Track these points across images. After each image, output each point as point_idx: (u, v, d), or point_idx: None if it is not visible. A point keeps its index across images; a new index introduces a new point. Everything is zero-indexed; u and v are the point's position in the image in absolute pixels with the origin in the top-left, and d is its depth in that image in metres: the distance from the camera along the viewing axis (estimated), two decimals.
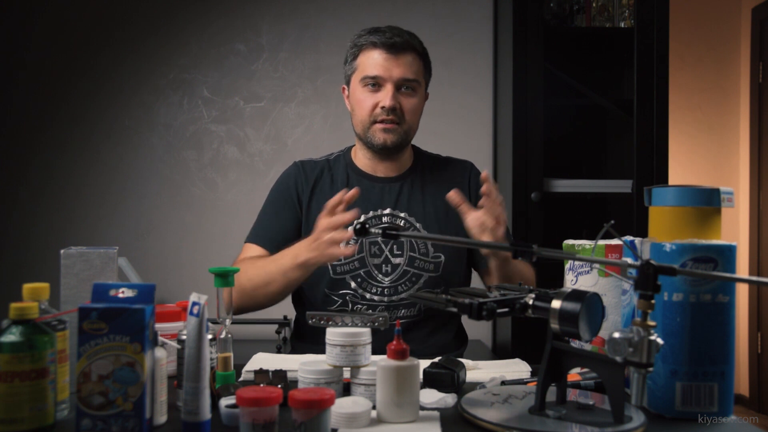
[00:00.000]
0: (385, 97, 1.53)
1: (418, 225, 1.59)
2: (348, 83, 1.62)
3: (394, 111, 1.54)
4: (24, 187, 2.84)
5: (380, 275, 1.55)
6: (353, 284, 1.55)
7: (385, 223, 1.58)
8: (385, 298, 1.54)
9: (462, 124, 2.87)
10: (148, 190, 2.86)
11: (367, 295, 1.54)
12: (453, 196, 1.39)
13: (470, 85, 2.88)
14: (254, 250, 1.59)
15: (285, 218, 1.60)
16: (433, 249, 1.57)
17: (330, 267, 1.54)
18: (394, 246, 1.56)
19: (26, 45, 2.86)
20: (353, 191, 1.38)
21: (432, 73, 1.66)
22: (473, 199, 1.66)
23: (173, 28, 2.87)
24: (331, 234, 1.34)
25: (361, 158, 1.64)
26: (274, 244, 1.54)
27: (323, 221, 1.36)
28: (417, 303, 1.55)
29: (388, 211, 1.59)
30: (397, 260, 1.55)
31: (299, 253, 1.41)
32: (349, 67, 1.61)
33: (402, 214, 1.59)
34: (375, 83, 1.54)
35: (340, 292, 1.55)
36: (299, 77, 2.88)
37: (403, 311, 1.55)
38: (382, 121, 1.54)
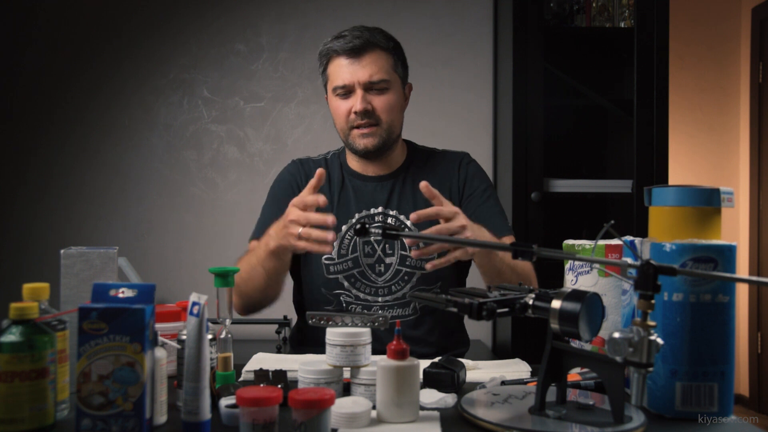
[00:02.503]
0: (355, 101, 1.52)
1: (408, 223, 1.57)
2: (326, 92, 1.62)
3: (367, 114, 1.52)
4: (24, 187, 2.84)
5: (373, 275, 1.54)
6: (346, 284, 1.55)
7: (377, 222, 1.57)
8: (379, 298, 1.54)
9: (462, 124, 2.87)
10: (148, 190, 2.86)
11: (361, 295, 1.54)
12: (424, 188, 1.33)
13: (470, 85, 2.88)
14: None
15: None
16: (423, 246, 1.54)
17: (324, 267, 1.55)
18: (386, 245, 1.55)
19: (26, 45, 2.86)
20: (324, 201, 1.32)
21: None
22: (460, 188, 1.62)
23: (173, 28, 2.87)
24: (302, 229, 1.29)
25: (352, 159, 1.64)
26: None
27: (295, 212, 1.31)
28: (411, 303, 1.55)
29: (380, 210, 1.58)
30: (390, 260, 1.55)
31: (269, 240, 1.38)
32: (323, 77, 1.61)
33: (392, 212, 1.58)
34: (345, 91, 1.54)
35: (335, 291, 1.55)
36: (299, 77, 2.88)
37: (398, 311, 1.54)
38: (358, 127, 1.53)
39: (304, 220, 1.30)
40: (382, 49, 1.54)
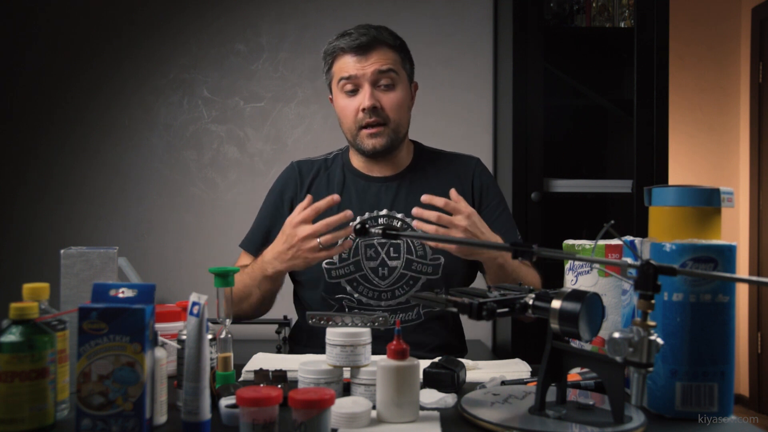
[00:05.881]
0: (364, 97, 1.50)
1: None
2: (331, 92, 1.61)
3: (376, 111, 1.50)
4: (24, 187, 2.84)
5: (377, 279, 1.52)
6: (349, 288, 1.53)
7: (381, 224, 1.55)
8: (382, 303, 1.52)
9: (462, 124, 2.87)
10: (148, 190, 2.86)
11: (364, 300, 1.52)
12: (454, 194, 1.38)
13: (470, 85, 2.88)
14: (244, 258, 1.61)
15: (270, 225, 1.60)
16: (431, 251, 1.52)
17: (325, 271, 1.53)
18: (391, 248, 1.53)
19: (26, 45, 2.86)
20: (334, 198, 1.37)
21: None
22: (475, 198, 1.61)
23: (173, 28, 2.87)
24: (321, 239, 1.34)
25: (356, 159, 1.62)
26: (260, 252, 1.53)
27: (305, 229, 1.35)
28: (415, 307, 1.53)
29: (384, 212, 1.56)
30: (394, 263, 1.52)
31: (266, 266, 1.42)
32: (327, 77, 1.59)
33: (399, 215, 1.55)
34: (353, 87, 1.52)
35: (337, 296, 1.53)
36: (299, 77, 2.88)
37: (401, 315, 1.52)
38: (367, 126, 1.51)
39: (323, 227, 1.34)
40: (389, 47, 1.53)
